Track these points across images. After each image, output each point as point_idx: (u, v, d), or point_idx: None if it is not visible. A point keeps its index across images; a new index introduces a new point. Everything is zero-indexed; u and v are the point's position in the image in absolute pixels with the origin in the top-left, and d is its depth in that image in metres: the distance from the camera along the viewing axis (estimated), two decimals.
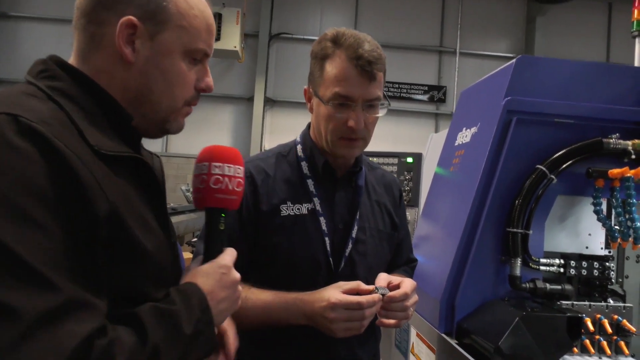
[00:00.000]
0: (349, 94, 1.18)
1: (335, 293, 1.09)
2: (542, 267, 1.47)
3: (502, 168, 1.46)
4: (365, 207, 1.34)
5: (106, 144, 0.74)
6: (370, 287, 1.13)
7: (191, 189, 0.96)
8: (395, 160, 2.89)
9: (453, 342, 1.41)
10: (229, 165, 0.89)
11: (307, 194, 1.28)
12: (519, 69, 1.52)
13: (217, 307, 0.81)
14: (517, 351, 1.24)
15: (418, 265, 1.62)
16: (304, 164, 1.31)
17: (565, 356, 1.31)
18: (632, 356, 1.38)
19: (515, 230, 1.43)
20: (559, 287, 1.45)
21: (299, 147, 1.35)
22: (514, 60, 1.54)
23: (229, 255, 0.87)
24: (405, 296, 1.16)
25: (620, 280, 1.61)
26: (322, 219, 1.26)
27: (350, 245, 1.28)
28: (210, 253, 0.88)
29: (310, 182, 1.29)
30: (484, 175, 1.49)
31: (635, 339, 1.46)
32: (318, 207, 1.27)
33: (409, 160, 2.90)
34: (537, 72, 1.53)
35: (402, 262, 1.47)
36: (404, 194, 2.76)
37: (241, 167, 0.92)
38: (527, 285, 1.44)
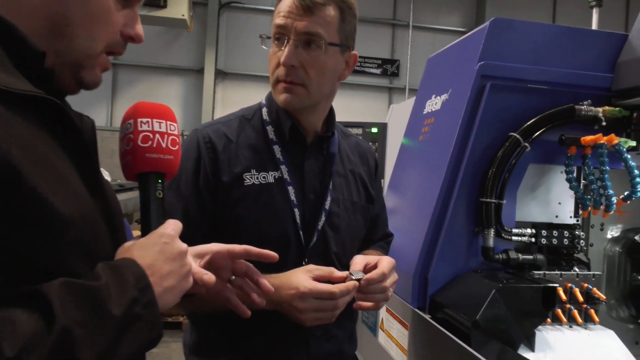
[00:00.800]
0: (281, 23, 1.08)
1: (304, 280, 1.00)
2: (514, 238, 1.44)
3: (476, 136, 1.41)
4: (338, 177, 1.25)
5: (3, 80, 0.58)
6: (344, 273, 1.04)
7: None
8: (360, 131, 2.81)
9: (427, 316, 1.36)
10: (159, 120, 0.76)
11: (274, 161, 1.16)
12: (493, 32, 1.45)
13: (161, 284, 0.65)
14: (494, 324, 1.20)
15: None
16: (269, 129, 1.19)
17: (539, 327, 1.29)
18: (600, 323, 1.38)
19: (488, 200, 1.38)
20: (531, 257, 1.43)
21: (264, 109, 1.22)
22: (487, 23, 1.47)
23: (172, 224, 0.73)
24: (383, 276, 1.07)
25: (585, 248, 1.62)
26: (290, 188, 1.15)
27: (322, 218, 1.18)
28: (148, 226, 0.74)
29: (277, 148, 1.17)
30: (457, 144, 1.43)
31: (602, 307, 1.47)
32: (286, 176, 1.16)
33: (374, 130, 2.82)
34: (511, 35, 1.47)
35: (378, 238, 1.40)
36: None
37: (174, 124, 0.78)
38: (500, 256, 1.41)
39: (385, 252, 1.40)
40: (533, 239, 1.46)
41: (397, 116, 2.81)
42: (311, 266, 1.04)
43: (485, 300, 1.20)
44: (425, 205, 1.49)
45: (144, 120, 0.75)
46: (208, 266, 0.84)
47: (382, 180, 2.28)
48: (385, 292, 1.09)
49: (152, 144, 0.74)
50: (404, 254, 1.52)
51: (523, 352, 1.25)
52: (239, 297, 0.92)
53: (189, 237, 0.80)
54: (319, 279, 1.00)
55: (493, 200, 1.38)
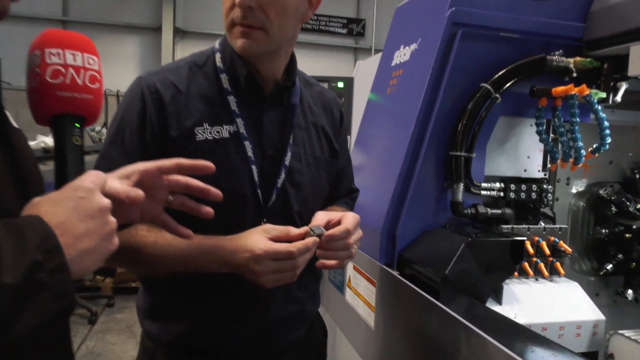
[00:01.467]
0: None
1: (260, 241, 0.92)
2: (483, 192, 1.42)
3: (446, 87, 1.35)
4: (300, 131, 1.16)
5: None
6: (303, 229, 0.96)
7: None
8: (325, 85, 2.70)
9: (395, 273, 1.33)
10: (73, 51, 0.64)
11: (229, 114, 1.06)
12: None
13: (75, 246, 0.55)
14: (462, 279, 1.18)
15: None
16: (223, 77, 1.08)
17: (506, 280, 1.28)
18: (564, 276, 1.39)
19: (458, 154, 1.34)
20: (500, 211, 1.41)
21: (217, 55, 1.11)
22: None
23: (92, 175, 0.61)
24: (347, 233, 1.00)
25: (551, 203, 1.62)
26: (247, 143, 1.06)
27: (282, 175, 1.10)
28: (63, 179, 0.63)
29: (232, 99, 1.07)
30: (426, 96, 1.37)
31: (565, 260, 1.48)
32: (242, 130, 1.06)
33: (340, 85, 2.73)
34: None
35: (343, 193, 1.34)
36: None
37: (94, 57, 0.68)
38: (469, 210, 1.38)
39: (351, 208, 1.35)
40: (502, 194, 1.44)
41: (363, 72, 2.73)
42: (267, 226, 0.96)
43: (454, 255, 1.18)
44: (393, 161, 1.44)
45: (54, 51, 0.63)
46: (138, 187, 0.72)
47: (349, 137, 2.23)
48: (349, 249, 1.02)
49: (64, 80, 0.64)
50: (371, 210, 1.47)
51: (491, 305, 1.24)
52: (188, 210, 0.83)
53: None
54: (276, 239, 0.93)
55: (463, 154, 1.34)
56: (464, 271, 1.18)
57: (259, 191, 1.07)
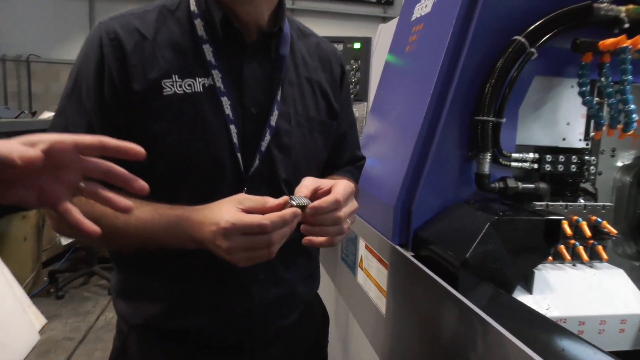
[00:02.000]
0: None
1: (228, 213, 0.76)
2: (513, 164, 1.23)
3: (472, 41, 1.16)
4: (290, 87, 1.00)
5: None
6: (282, 199, 0.80)
7: None
8: (341, 47, 2.51)
9: (408, 254, 1.17)
10: None
11: (203, 65, 0.91)
12: None
13: None
14: (486, 263, 1.01)
15: (367, 168, 1.34)
16: (198, 22, 0.92)
17: (538, 266, 1.11)
18: (609, 261, 1.20)
19: (485, 118, 1.15)
20: (533, 185, 1.23)
21: None
22: None
23: None
24: (337, 204, 0.83)
25: (593, 177, 1.42)
26: (224, 99, 0.91)
27: (267, 137, 0.94)
28: None
29: (207, 48, 0.91)
30: (449, 51, 1.18)
31: (608, 243, 1.29)
32: (219, 83, 0.90)
33: (356, 46, 2.51)
34: None
35: (345, 161, 1.17)
36: (350, 86, 2.43)
37: None
38: (497, 184, 1.20)
39: (355, 178, 1.19)
40: (535, 166, 1.25)
41: (386, 36, 2.52)
42: (241, 195, 0.80)
43: (478, 235, 1.01)
44: (410, 127, 1.26)
45: None
46: (46, 163, 0.58)
47: (365, 104, 2.05)
48: (340, 224, 0.85)
49: None
50: (384, 183, 1.31)
51: (520, 294, 1.07)
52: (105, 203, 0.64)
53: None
54: (250, 211, 0.77)
55: (491, 119, 1.15)
56: (489, 254, 1.02)
57: (238, 155, 0.92)
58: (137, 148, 0.63)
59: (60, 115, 0.89)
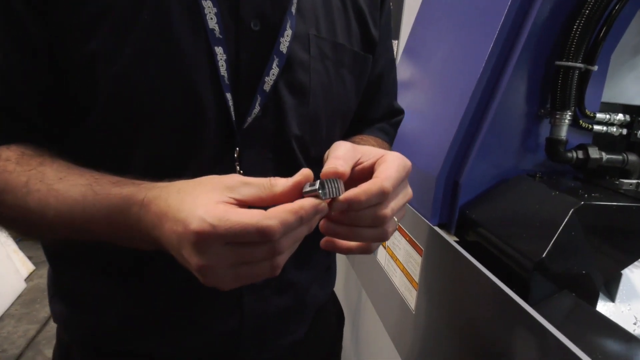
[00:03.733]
0: None
1: (206, 206, 0.43)
2: (596, 127, 0.94)
3: None
4: None
5: None
6: (296, 179, 0.47)
7: None
8: None
9: (451, 239, 0.90)
10: None
11: None
12: None
13: None
14: (565, 264, 0.74)
15: (401, 126, 1.05)
16: None
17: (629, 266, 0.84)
18: None
19: (571, 64, 0.85)
20: (620, 157, 0.94)
21: None
22: None
23: None
24: (383, 196, 0.49)
25: None
26: (208, 4, 0.56)
27: (275, 69, 0.61)
28: None
29: None
30: None
31: None
32: None
33: None
34: None
35: (379, 115, 0.88)
36: None
37: None
38: (574, 154, 0.92)
39: (391, 139, 0.90)
40: (624, 131, 0.96)
41: None
42: (234, 177, 0.47)
43: (558, 226, 0.74)
44: (462, 74, 0.96)
45: None
46: None
47: (396, 42, 1.71)
48: (383, 226, 0.52)
49: None
50: (423, 147, 1.03)
51: (599, 302, 0.81)
52: None
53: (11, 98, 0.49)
54: (247, 204, 0.46)
55: (578, 65, 0.85)
56: (570, 252, 0.75)
57: (228, 96, 0.59)
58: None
59: None
